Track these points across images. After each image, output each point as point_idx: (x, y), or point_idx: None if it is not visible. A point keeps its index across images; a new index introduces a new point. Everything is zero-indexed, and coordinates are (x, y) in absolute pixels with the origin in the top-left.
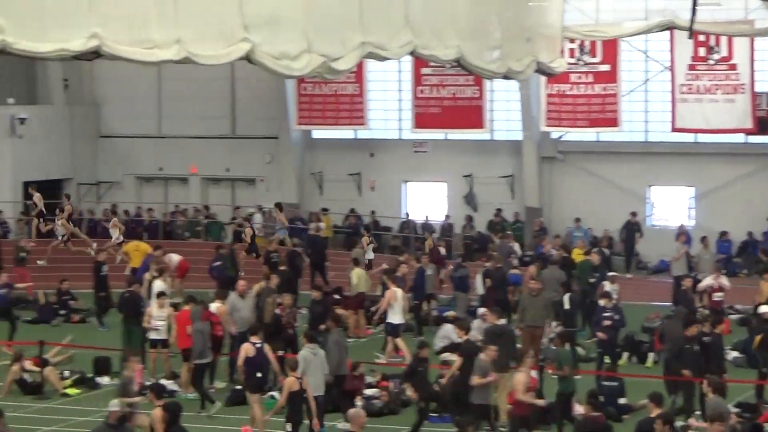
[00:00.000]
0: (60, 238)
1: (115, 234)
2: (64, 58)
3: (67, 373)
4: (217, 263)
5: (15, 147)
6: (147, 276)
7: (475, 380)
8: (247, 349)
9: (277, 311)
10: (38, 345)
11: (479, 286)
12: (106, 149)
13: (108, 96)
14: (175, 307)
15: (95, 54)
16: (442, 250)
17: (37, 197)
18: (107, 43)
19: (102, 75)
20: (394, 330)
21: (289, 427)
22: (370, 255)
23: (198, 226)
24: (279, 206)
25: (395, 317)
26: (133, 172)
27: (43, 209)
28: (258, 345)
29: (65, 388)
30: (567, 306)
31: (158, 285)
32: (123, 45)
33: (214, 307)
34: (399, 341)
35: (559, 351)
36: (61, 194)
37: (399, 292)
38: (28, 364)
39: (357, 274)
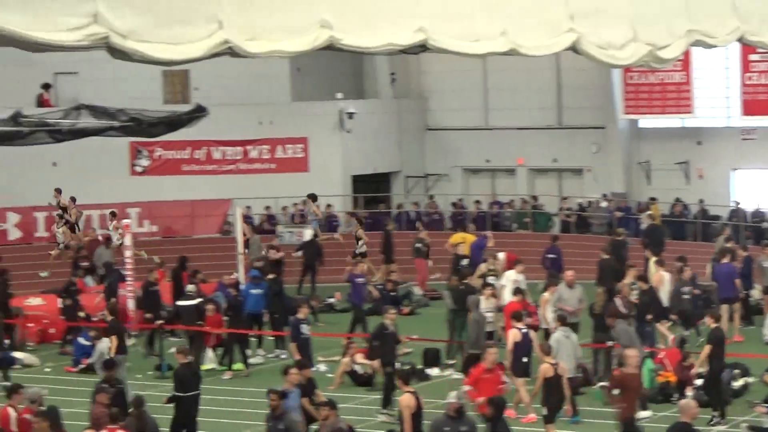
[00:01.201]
0: (60, 245)
1: (116, 237)
2: (391, 53)
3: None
4: (551, 255)
5: (344, 141)
6: (482, 268)
7: None
8: (514, 335)
9: (618, 301)
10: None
11: None
12: (434, 142)
13: (434, 89)
14: None
15: (422, 47)
16: None
17: (69, 203)
18: (433, 36)
19: (428, 68)
20: None
21: (544, 411)
22: (362, 249)
23: (525, 217)
24: (312, 197)
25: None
26: (460, 164)
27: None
28: (524, 330)
29: None
30: None
31: (512, 276)
32: (449, 38)
33: (545, 296)
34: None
35: None
36: (389, 188)
37: (666, 276)
38: (359, 357)
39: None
